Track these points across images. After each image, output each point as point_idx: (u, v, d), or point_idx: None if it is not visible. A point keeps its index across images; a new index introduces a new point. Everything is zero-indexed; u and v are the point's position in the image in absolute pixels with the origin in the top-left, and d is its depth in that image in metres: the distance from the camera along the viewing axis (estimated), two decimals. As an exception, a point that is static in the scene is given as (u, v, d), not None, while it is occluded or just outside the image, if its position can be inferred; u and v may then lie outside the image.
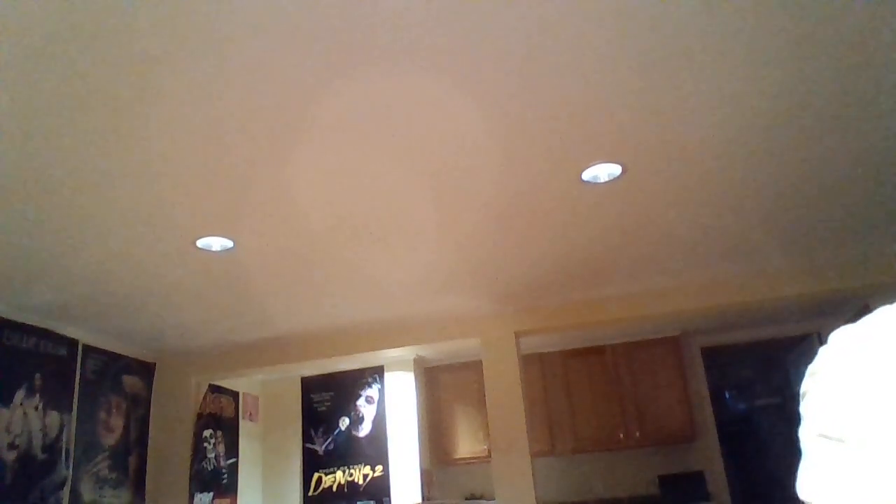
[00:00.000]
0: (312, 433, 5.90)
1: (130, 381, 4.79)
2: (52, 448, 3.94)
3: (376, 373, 5.84)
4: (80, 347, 4.29)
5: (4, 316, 3.73)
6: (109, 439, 4.49)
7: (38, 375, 3.90)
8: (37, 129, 2.17)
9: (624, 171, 2.82)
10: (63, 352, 4.14)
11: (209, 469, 5.17)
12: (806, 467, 0.58)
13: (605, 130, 2.48)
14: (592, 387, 5.86)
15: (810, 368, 0.62)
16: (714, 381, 6.16)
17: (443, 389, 6.05)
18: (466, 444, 5.88)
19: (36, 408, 3.86)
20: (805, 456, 0.59)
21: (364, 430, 5.76)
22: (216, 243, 3.18)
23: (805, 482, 0.57)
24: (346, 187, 2.77)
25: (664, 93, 2.28)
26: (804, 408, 0.61)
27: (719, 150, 2.72)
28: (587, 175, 2.82)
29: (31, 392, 3.83)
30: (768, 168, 2.91)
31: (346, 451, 5.76)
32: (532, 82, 2.16)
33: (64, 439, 4.05)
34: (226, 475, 5.40)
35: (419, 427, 5.65)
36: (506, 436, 4.54)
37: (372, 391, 5.83)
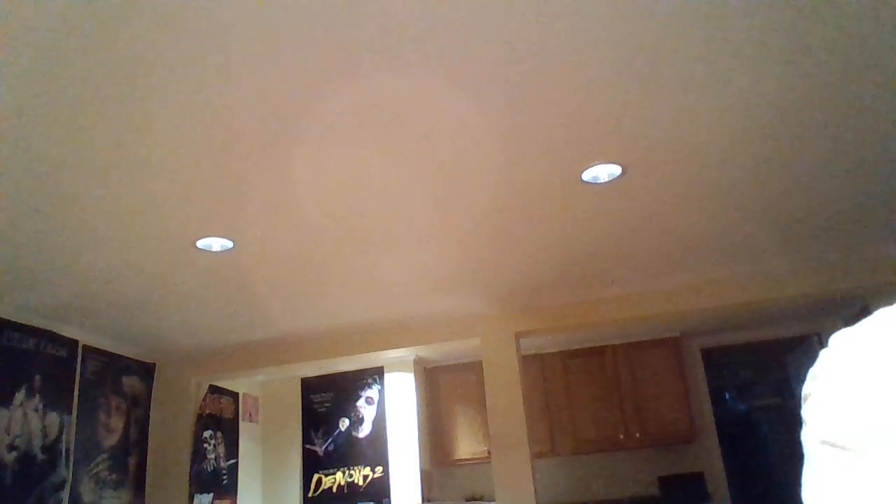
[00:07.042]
0: (312, 434, 5.90)
1: (130, 382, 4.78)
2: (51, 449, 3.94)
3: (376, 373, 5.83)
4: (80, 348, 4.29)
5: (5, 316, 3.73)
6: (109, 440, 4.48)
7: (38, 376, 3.90)
8: (37, 130, 2.17)
9: (624, 171, 2.82)
10: (63, 353, 4.14)
11: (209, 470, 5.17)
12: (810, 475, 0.58)
13: (605, 130, 2.49)
14: (592, 387, 5.86)
15: (812, 372, 0.61)
16: (714, 382, 6.16)
17: (443, 390, 6.05)
18: (466, 445, 5.87)
19: (36, 409, 3.86)
20: (808, 463, 0.58)
21: (364, 430, 5.76)
22: (216, 244, 3.18)
23: (809, 491, 0.57)
24: (346, 187, 2.77)
25: (664, 93, 2.28)
26: (806, 412, 0.60)
27: (719, 151, 2.72)
28: (587, 175, 2.82)
29: (31, 393, 3.83)
30: (768, 168, 2.91)
31: (346, 452, 5.75)
32: (532, 82, 2.16)
33: (64, 440, 4.05)
34: (226, 476, 5.40)
35: (419, 428, 5.65)
36: (506, 436, 4.53)
37: (372, 392, 5.82)
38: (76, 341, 4.27)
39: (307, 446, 5.88)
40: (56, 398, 4.03)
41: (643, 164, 2.78)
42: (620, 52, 2.04)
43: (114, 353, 4.62)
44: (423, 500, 5.43)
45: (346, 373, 5.87)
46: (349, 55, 1.96)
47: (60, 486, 3.98)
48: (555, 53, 2.03)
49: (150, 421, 4.93)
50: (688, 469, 5.75)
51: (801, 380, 0.63)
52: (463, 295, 4.34)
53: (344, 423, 5.83)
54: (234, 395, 5.71)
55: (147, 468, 4.83)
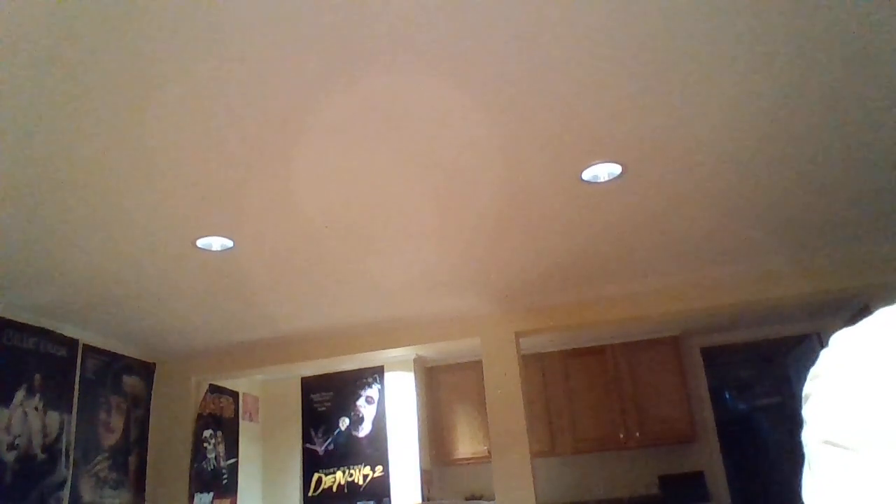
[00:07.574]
0: (312, 433, 5.90)
1: (130, 382, 4.78)
2: (51, 448, 3.94)
3: (376, 373, 5.83)
4: (80, 347, 4.29)
5: (4, 316, 3.73)
6: (109, 439, 4.49)
7: (38, 375, 3.90)
8: (38, 130, 2.17)
9: (624, 171, 2.82)
10: (63, 352, 4.14)
11: (209, 469, 5.17)
12: (810, 475, 0.58)
13: (605, 130, 2.49)
14: (592, 387, 5.86)
15: (812, 371, 0.61)
16: (714, 381, 6.16)
17: (443, 389, 6.05)
18: (466, 445, 5.87)
19: (36, 408, 3.86)
20: (809, 463, 0.58)
21: (364, 430, 5.76)
22: (216, 243, 3.18)
23: (810, 491, 0.57)
24: (346, 187, 2.77)
25: (664, 93, 2.28)
26: (807, 412, 0.60)
27: (719, 150, 2.72)
28: (587, 175, 2.82)
29: (31, 392, 3.83)
30: (768, 168, 2.91)
31: (346, 452, 5.75)
32: (532, 82, 2.16)
33: (64, 440, 4.05)
34: (226, 475, 5.40)
35: (419, 427, 5.65)
36: (506, 436, 4.53)
37: (372, 391, 5.83)
38: (76, 341, 4.27)
39: (307, 446, 5.88)
40: (56, 398, 4.03)
41: (643, 164, 2.78)
42: (620, 51, 2.04)
43: (114, 353, 4.62)
44: (423, 499, 5.43)
45: (346, 372, 5.87)
46: (349, 56, 1.96)
47: (60, 486, 3.98)
48: (555, 54, 2.03)
49: (150, 420, 4.93)
50: (688, 469, 5.75)
51: (802, 380, 0.63)
52: (463, 295, 4.34)
53: (344, 423, 5.84)
54: (234, 395, 5.71)
55: (147, 468, 4.83)
